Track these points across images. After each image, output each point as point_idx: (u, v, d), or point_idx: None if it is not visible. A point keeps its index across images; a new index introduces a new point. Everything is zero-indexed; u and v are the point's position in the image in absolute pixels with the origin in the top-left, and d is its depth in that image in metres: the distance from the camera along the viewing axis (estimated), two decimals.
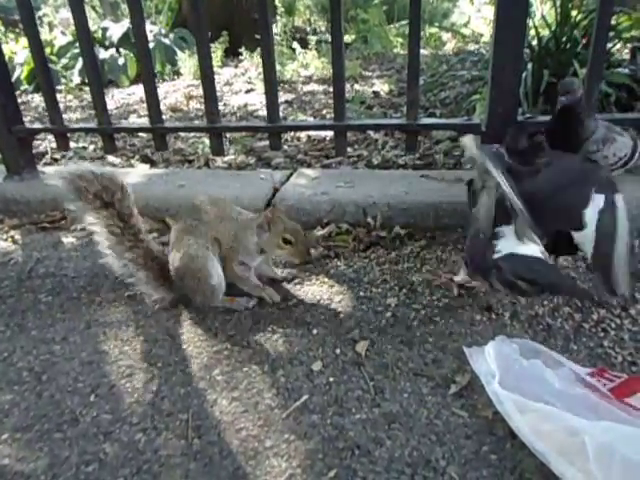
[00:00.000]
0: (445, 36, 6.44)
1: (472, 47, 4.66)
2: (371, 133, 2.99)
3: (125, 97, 5.03)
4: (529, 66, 2.64)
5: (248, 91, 4.69)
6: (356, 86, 4.31)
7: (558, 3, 2.80)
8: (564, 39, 2.69)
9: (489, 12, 6.30)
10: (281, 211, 1.46)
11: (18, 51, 6.57)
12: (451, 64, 3.79)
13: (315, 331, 1.32)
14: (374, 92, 4.03)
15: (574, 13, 2.74)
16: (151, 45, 5.49)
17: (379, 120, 2.84)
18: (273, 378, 1.17)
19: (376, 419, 1.04)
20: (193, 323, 1.39)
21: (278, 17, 5.94)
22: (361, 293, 1.48)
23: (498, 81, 1.77)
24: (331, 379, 1.15)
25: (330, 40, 1.93)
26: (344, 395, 1.10)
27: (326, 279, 1.56)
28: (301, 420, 1.04)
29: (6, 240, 2.01)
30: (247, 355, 1.25)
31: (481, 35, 4.76)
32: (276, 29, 5.65)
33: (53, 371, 1.23)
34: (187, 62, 5.73)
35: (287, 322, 1.36)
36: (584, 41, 2.63)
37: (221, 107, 4.04)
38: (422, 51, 1.96)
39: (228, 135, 3.16)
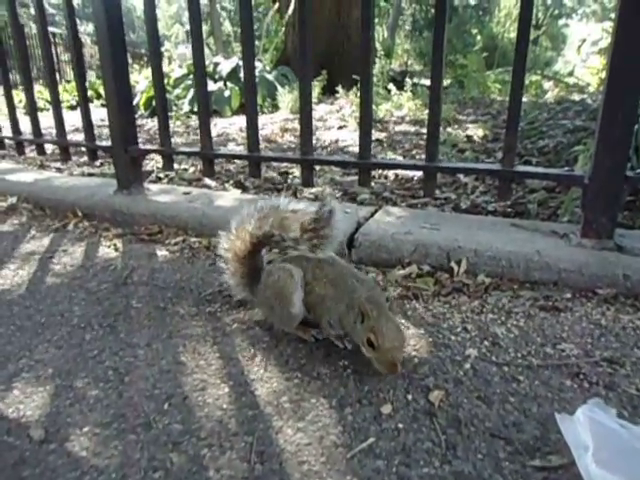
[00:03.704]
0: (546, 84, 6.24)
1: (576, 97, 4.46)
2: (461, 177, 2.93)
3: (226, 126, 5.40)
4: None
5: (340, 127, 4.84)
6: (449, 129, 4.29)
7: None
8: None
9: (596, 61, 6.02)
10: (378, 304, 1.24)
11: (140, 80, 7.35)
12: (553, 112, 3.65)
13: None
14: (467, 136, 3.98)
15: None
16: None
17: (472, 164, 2.78)
18: (340, 414, 1.14)
19: (446, 477, 0.97)
20: (267, 347, 1.41)
21: (377, 59, 6.12)
22: (439, 339, 1.42)
23: (607, 133, 1.67)
24: (400, 425, 1.10)
25: (429, 82, 1.94)
26: (413, 445, 1.05)
27: (403, 320, 1.52)
28: (365, 464, 1.00)
29: (109, 247, 2.20)
30: (316, 387, 1.24)
31: (588, 84, 4.55)
32: (374, 70, 5.82)
33: (135, 374, 1.30)
34: (285, 97, 6.05)
35: (359, 359, 1.33)
36: None
37: (314, 141, 4.20)
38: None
39: (317, 168, 3.26)
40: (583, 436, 0.92)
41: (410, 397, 1.19)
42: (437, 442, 1.06)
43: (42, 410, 1.17)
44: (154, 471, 1.00)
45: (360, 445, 1.05)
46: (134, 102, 6.66)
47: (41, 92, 7.68)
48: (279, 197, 1.49)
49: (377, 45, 6.82)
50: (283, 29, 8.24)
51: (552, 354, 1.35)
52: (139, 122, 6.05)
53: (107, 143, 2.69)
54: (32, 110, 3.10)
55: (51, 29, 12.87)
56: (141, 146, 2.67)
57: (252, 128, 2.31)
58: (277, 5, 8.62)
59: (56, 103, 2.94)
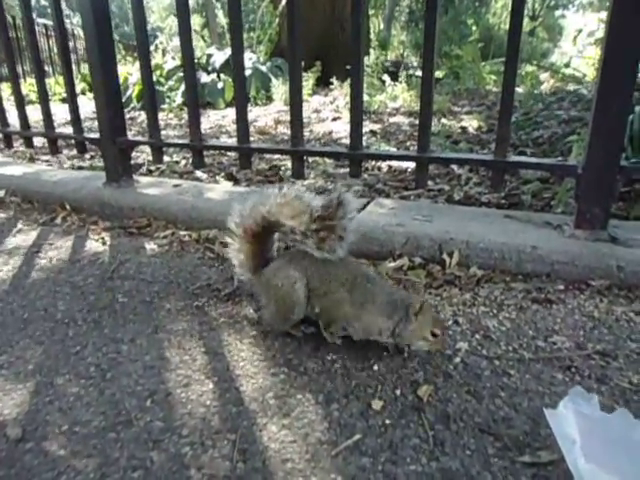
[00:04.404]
0: (542, 75, 6.20)
1: (572, 87, 4.42)
2: (454, 168, 2.90)
3: (219, 118, 5.34)
4: (636, 109, 2.43)
5: (334, 119, 4.79)
6: (443, 120, 4.25)
7: None
8: None
9: (593, 52, 5.98)
10: (429, 304, 1.39)
11: (133, 73, 7.26)
12: (547, 103, 3.62)
13: (376, 367, 1.26)
14: (462, 127, 3.94)
15: None
16: (249, 72, 5.83)
17: (464, 154, 2.75)
18: (326, 410, 1.11)
19: (433, 474, 0.95)
20: (254, 342, 1.39)
21: (372, 50, 6.05)
22: None
23: (601, 123, 1.63)
24: (387, 421, 1.08)
25: (420, 72, 1.90)
26: (400, 441, 1.02)
27: None
28: (351, 461, 0.98)
29: (97, 241, 2.16)
30: (303, 382, 1.21)
31: (584, 75, 4.51)
32: (368, 61, 5.76)
33: (117, 370, 1.27)
34: (279, 89, 5.99)
35: (347, 353, 1.31)
36: None
37: (307, 133, 4.15)
38: (517, 89, 1.88)
39: (310, 160, 3.22)
40: (569, 429, 0.90)
41: (398, 392, 1.16)
42: (425, 438, 1.03)
43: (20, 408, 1.14)
44: (133, 470, 0.97)
45: (346, 442, 1.02)
46: (127, 94, 6.58)
47: (32, 84, 7.58)
48: (301, 187, 1.39)
49: (372, 36, 6.74)
50: (277, 20, 8.15)
51: (544, 347, 1.33)
52: (132, 114, 5.97)
53: (96, 135, 2.64)
54: (19, 102, 3.04)
55: (43, 21, 12.72)
56: (130, 138, 2.62)
57: (242, 119, 2.26)
58: None
59: (43, 95, 2.89)
